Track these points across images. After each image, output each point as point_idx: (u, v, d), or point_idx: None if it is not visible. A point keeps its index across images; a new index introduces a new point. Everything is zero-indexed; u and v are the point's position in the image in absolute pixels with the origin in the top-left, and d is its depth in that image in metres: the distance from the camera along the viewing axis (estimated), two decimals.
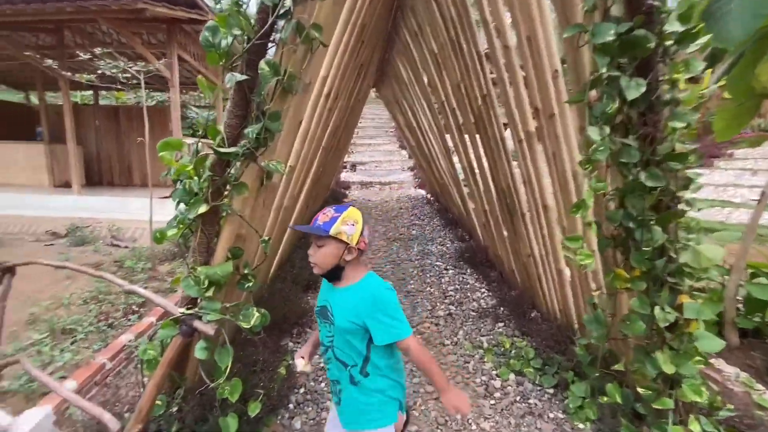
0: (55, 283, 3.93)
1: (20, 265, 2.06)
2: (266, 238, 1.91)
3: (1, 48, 6.74)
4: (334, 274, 1.40)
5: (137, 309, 3.61)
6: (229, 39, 1.41)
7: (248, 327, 1.75)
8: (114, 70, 5.22)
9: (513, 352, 3.08)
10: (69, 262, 2.39)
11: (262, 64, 1.41)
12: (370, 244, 5.83)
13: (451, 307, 3.88)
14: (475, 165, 4.06)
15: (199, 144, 1.57)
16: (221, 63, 1.42)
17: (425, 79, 4.73)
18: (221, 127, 1.56)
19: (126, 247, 5.54)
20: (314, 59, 1.86)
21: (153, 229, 5.42)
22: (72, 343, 3.08)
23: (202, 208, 1.57)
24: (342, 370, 1.43)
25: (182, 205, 1.71)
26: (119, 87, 5.79)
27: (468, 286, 4.34)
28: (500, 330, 3.42)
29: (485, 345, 3.21)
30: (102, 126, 9.03)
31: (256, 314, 1.82)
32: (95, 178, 9.03)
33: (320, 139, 3.25)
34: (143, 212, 5.87)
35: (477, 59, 2.93)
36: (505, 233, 3.81)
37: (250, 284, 1.99)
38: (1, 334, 2.05)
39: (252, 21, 1.40)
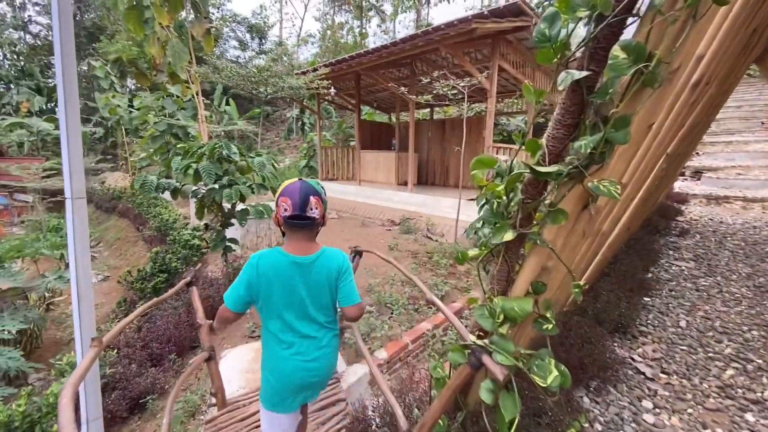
0: (386, 263, 5.00)
1: (365, 251, 2.65)
2: (581, 283, 1.48)
3: (379, 83, 9.35)
4: None
5: None
6: (570, 26, 1.09)
7: (544, 386, 1.41)
8: (445, 89, 6.06)
9: None
10: (392, 258, 2.89)
11: (617, 49, 1.00)
12: (724, 282, 3.95)
13: None
14: None
15: (515, 160, 1.34)
16: (555, 60, 1.12)
17: None
18: (543, 141, 1.27)
19: (436, 240, 6.41)
20: (693, 31, 1.23)
21: (457, 228, 5.99)
22: (389, 318, 3.78)
23: (509, 235, 1.35)
24: None
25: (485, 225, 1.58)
26: (447, 103, 6.71)
27: None
28: None
29: None
30: (432, 137, 10.97)
31: (555, 372, 1.45)
32: (423, 179, 11.17)
33: (666, 146, 2.38)
34: (452, 211, 6.62)
35: None
36: None
37: (549, 327, 1.63)
38: None
39: None
